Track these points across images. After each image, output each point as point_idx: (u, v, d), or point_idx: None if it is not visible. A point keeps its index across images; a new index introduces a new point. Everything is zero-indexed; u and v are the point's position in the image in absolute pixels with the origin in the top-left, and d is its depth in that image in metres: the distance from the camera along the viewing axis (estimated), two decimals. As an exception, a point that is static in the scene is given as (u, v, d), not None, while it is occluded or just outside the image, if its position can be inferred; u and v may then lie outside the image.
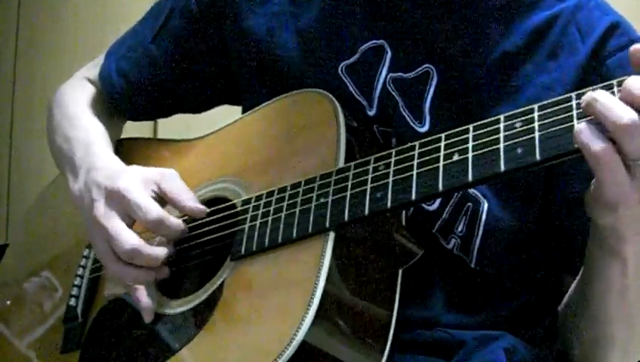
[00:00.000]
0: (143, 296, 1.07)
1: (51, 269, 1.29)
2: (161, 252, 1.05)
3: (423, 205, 1.06)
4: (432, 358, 1.05)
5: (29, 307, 1.28)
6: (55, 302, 1.24)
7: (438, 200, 1.06)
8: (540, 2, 1.08)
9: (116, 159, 1.15)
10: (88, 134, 1.21)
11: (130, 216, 1.05)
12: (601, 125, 0.81)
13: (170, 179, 1.08)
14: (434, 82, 1.07)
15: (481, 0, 1.07)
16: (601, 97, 0.80)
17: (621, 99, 0.80)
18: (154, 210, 1.04)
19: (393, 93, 1.09)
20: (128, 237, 1.03)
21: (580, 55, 1.05)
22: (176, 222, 1.05)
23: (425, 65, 1.08)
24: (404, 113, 1.08)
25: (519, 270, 1.10)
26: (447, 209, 1.06)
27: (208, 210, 1.08)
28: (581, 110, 0.82)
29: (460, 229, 1.06)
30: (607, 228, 0.93)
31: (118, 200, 1.05)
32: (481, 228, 1.05)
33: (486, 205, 1.05)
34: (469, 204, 1.05)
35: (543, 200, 1.08)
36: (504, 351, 1.06)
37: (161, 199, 1.08)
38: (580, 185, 1.05)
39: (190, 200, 1.07)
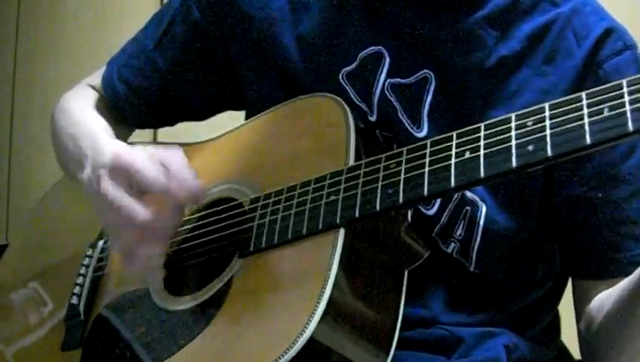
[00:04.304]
0: (153, 274, 1.07)
1: (42, 281, 1.29)
2: (175, 216, 1.01)
3: (422, 209, 1.07)
4: (431, 355, 1.06)
5: (16, 317, 1.29)
6: (43, 315, 1.24)
7: (437, 205, 1.07)
8: (536, 7, 1.09)
9: (122, 143, 1.12)
10: (91, 126, 1.19)
11: (138, 188, 1.00)
12: None
13: (173, 153, 1.03)
14: (432, 88, 1.08)
15: (478, 6, 1.08)
16: None
17: None
18: (158, 170, 0.98)
19: (391, 98, 1.09)
20: (139, 209, 0.99)
21: (577, 59, 1.06)
22: (187, 176, 0.99)
23: (423, 71, 1.09)
24: (402, 118, 1.09)
25: (518, 273, 1.10)
26: (445, 213, 1.07)
27: (206, 187, 1.04)
28: (592, 109, 0.83)
29: (458, 233, 1.07)
30: None
31: (122, 172, 1.01)
32: (480, 232, 1.06)
33: (484, 209, 1.06)
34: (467, 208, 1.06)
35: (542, 203, 1.09)
36: (504, 347, 1.07)
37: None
38: (581, 187, 1.07)
39: (193, 176, 1.00)
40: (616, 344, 1.06)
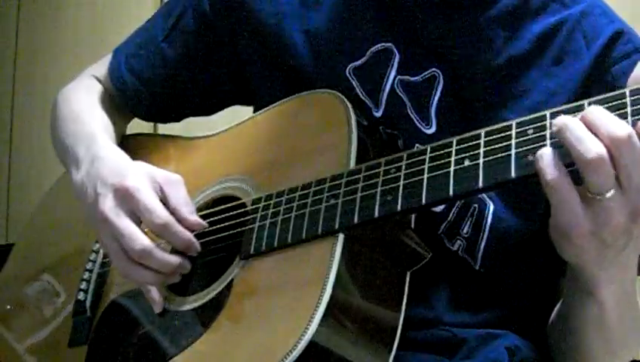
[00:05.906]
0: (154, 289, 1.07)
1: (54, 272, 1.29)
2: (174, 259, 1.04)
3: None
4: (434, 356, 1.06)
5: (30, 311, 1.28)
6: (57, 305, 1.24)
7: None
8: (545, 8, 1.09)
9: (120, 151, 1.14)
10: (91, 128, 1.20)
11: (137, 216, 1.04)
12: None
13: (175, 185, 1.07)
14: (440, 86, 1.08)
15: (488, 6, 1.08)
16: (571, 125, 0.80)
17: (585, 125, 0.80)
18: (162, 215, 1.03)
19: (401, 95, 1.09)
20: (139, 238, 1.02)
21: (585, 61, 1.06)
22: (182, 230, 1.04)
23: (431, 69, 1.09)
24: (411, 115, 1.09)
25: (524, 272, 1.10)
26: (453, 210, 1.07)
27: (207, 226, 1.07)
28: None
29: (465, 231, 1.07)
30: (573, 263, 0.92)
31: (126, 199, 1.04)
32: (487, 230, 1.06)
33: (492, 207, 1.06)
34: (475, 205, 1.06)
35: (547, 203, 1.08)
36: (506, 349, 1.06)
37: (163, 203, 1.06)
38: None
39: (190, 213, 1.06)
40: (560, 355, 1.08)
